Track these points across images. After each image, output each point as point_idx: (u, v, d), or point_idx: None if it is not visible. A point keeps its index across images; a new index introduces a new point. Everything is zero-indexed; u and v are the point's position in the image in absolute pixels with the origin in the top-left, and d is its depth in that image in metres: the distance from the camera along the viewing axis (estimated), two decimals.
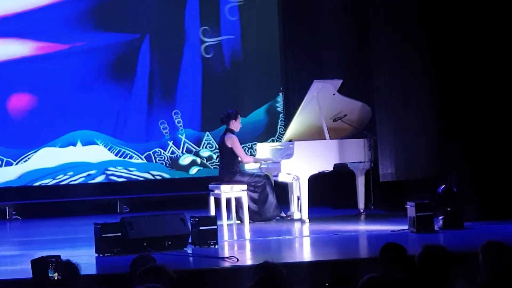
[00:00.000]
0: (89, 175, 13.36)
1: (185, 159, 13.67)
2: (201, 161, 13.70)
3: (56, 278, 5.91)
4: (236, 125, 10.91)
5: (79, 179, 13.33)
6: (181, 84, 13.72)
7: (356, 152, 10.94)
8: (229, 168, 10.76)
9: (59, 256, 6.17)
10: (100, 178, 13.42)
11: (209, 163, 13.75)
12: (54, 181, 13.26)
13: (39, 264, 6.18)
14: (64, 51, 13.32)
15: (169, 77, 13.70)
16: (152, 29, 13.63)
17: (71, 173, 13.28)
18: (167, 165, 13.60)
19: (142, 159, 13.57)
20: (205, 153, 13.74)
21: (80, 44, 13.35)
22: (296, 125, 11.27)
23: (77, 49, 13.36)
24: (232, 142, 10.77)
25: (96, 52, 13.43)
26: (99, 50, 13.44)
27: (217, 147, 11.55)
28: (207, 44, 13.81)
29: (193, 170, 13.68)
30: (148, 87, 13.61)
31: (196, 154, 13.71)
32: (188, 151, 13.72)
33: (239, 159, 10.85)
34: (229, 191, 10.58)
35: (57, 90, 13.26)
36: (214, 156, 13.65)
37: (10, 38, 13.16)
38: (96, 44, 13.42)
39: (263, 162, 11.00)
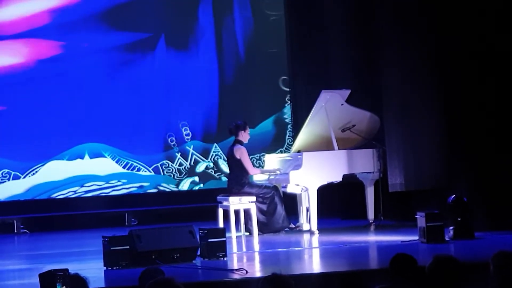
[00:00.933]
0: (97, 188, 13.37)
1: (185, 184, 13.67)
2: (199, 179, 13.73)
3: None
4: (245, 136, 10.91)
5: (87, 192, 13.34)
6: (188, 94, 13.73)
7: (365, 163, 10.92)
8: (238, 180, 10.76)
9: (67, 270, 6.15)
10: (108, 191, 13.43)
11: (215, 174, 13.74)
12: (62, 195, 13.27)
13: (47, 278, 6.17)
14: (70, 56, 13.32)
15: (176, 88, 13.71)
16: (166, 30, 13.67)
17: (79, 186, 13.29)
18: (175, 177, 13.60)
19: (150, 171, 13.58)
20: (200, 167, 13.72)
21: (88, 48, 13.37)
22: (304, 136, 11.26)
23: (83, 52, 13.35)
24: (241, 153, 10.77)
25: (92, 57, 13.43)
26: (98, 54, 13.46)
27: (225, 158, 11.55)
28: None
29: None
30: (156, 97, 13.63)
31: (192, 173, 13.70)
32: (196, 162, 13.71)
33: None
34: (238, 203, 10.57)
35: (64, 102, 13.26)
36: (211, 165, 13.65)
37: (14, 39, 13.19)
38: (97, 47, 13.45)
39: (271, 173, 10.99)
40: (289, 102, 14.02)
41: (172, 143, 13.64)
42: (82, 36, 13.35)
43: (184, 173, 13.65)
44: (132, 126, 13.52)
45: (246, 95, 13.89)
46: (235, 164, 10.81)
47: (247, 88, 13.91)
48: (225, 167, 13.45)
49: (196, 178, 13.69)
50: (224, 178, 13.34)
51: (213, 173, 13.72)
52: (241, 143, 10.87)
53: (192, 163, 13.70)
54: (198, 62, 13.78)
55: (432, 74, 10.44)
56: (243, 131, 10.89)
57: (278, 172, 10.91)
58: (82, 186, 13.31)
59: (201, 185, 13.66)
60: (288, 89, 13.98)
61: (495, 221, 9.78)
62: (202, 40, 13.80)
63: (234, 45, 13.93)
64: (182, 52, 13.72)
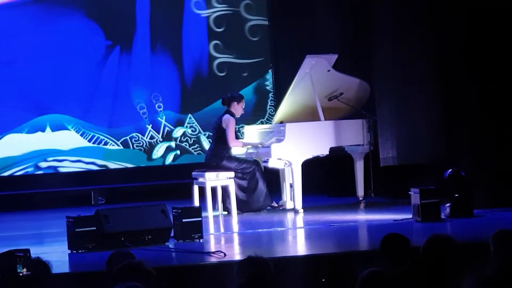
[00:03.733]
0: (59, 163, 13.33)
1: (159, 150, 13.65)
2: (176, 144, 13.68)
3: (24, 273, 5.90)
4: (237, 109, 10.88)
5: (49, 168, 13.30)
6: (160, 62, 13.69)
7: (354, 134, 10.95)
8: (218, 152, 10.75)
9: (28, 250, 6.16)
10: (72, 167, 13.39)
11: (191, 148, 13.74)
12: (21, 171, 13.23)
13: (5, 259, 6.17)
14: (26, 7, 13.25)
15: (148, 55, 13.68)
16: None
17: (39, 161, 13.25)
18: (145, 151, 13.58)
19: (119, 145, 13.55)
20: (178, 132, 13.70)
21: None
22: (287, 105, 11.26)
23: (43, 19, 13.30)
24: (228, 123, 10.73)
25: (67, 18, 13.36)
26: (71, 15, 13.39)
27: (201, 130, 11.54)
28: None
29: (170, 158, 13.67)
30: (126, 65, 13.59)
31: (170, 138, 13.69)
32: (169, 135, 13.70)
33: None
34: (215, 179, 10.58)
35: (22, 67, 13.19)
36: (189, 131, 13.64)
37: None
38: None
39: (252, 146, 10.99)
40: (271, 68, 14.00)
41: (144, 116, 13.59)
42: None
43: (156, 145, 13.63)
44: (98, 96, 13.47)
45: (223, 61, 13.85)
46: (219, 135, 10.79)
47: (224, 53, 13.87)
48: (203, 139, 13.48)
49: (173, 144, 13.68)
50: (200, 153, 13.37)
51: (187, 147, 13.70)
52: (232, 114, 10.84)
53: (164, 136, 13.67)
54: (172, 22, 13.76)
55: (428, 38, 10.44)
56: (236, 103, 10.87)
57: (259, 146, 10.91)
58: (43, 161, 13.26)
59: (178, 151, 13.64)
60: (270, 54, 13.94)
61: (496, 197, 9.84)
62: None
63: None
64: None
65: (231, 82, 13.71)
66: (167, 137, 13.66)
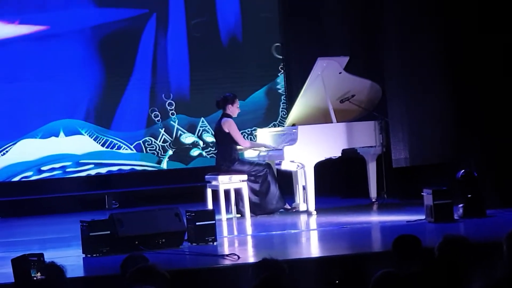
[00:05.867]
0: (73, 168, 13.35)
1: (187, 139, 13.68)
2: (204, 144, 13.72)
3: (39, 277, 5.92)
4: (233, 110, 10.89)
5: (63, 173, 13.33)
6: (171, 66, 13.70)
7: (366, 136, 10.93)
8: (226, 156, 10.76)
9: (42, 254, 6.17)
10: (86, 171, 13.41)
11: (209, 151, 13.76)
12: (36, 176, 13.25)
13: (20, 263, 6.19)
14: (44, 31, 13.29)
15: (159, 58, 13.69)
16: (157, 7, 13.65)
17: (54, 166, 13.27)
18: (158, 155, 13.59)
19: (132, 149, 13.57)
20: (188, 139, 13.73)
21: (59, 24, 13.33)
22: (299, 108, 11.26)
23: (56, 29, 13.32)
24: (229, 125, 10.76)
25: (76, 33, 13.40)
26: (81, 30, 13.42)
27: (213, 133, 11.55)
28: (197, 20, 13.80)
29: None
30: (137, 70, 13.61)
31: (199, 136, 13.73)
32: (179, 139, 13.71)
33: (238, 146, 10.84)
34: (228, 182, 10.58)
35: (38, 75, 13.23)
36: (198, 140, 13.68)
37: None
38: (80, 23, 13.40)
39: (263, 148, 10.99)
40: (282, 71, 13.99)
41: (156, 119, 13.61)
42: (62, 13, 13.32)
43: (168, 149, 13.65)
44: (111, 101, 13.49)
45: (236, 64, 13.85)
46: (224, 139, 10.81)
47: (237, 57, 13.88)
48: (211, 139, 13.49)
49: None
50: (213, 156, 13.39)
51: (200, 150, 13.71)
52: (229, 116, 10.86)
53: (176, 140, 13.69)
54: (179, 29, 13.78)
55: (439, 38, 10.42)
56: (230, 105, 10.87)
57: (263, 148, 10.93)
58: (57, 166, 13.28)
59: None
60: (281, 57, 13.94)
61: (508, 197, 9.81)
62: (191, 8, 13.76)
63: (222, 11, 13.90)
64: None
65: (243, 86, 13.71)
66: (179, 140, 13.66)
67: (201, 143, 13.75)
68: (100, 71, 13.46)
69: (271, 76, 14.03)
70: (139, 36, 13.61)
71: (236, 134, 10.81)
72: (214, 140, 11.71)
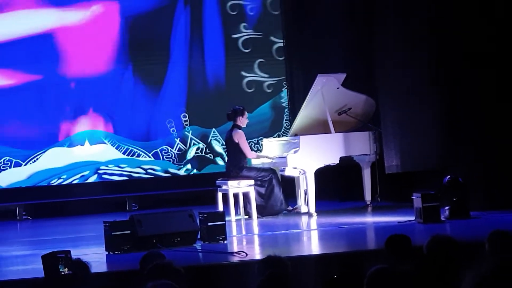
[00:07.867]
0: (98, 174, 13.36)
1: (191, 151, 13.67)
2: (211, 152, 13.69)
3: (66, 272, 5.93)
4: (243, 121, 10.90)
5: (88, 178, 13.33)
6: (186, 81, 13.70)
7: (361, 145, 10.93)
8: (236, 164, 10.77)
9: (69, 251, 6.18)
10: (108, 177, 13.40)
11: (215, 158, 13.73)
12: (63, 181, 13.26)
13: (49, 260, 6.20)
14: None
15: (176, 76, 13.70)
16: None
17: (79, 172, 13.27)
18: (174, 162, 13.59)
19: (150, 157, 13.57)
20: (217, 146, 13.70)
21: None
22: (301, 120, 11.26)
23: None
24: (239, 137, 10.77)
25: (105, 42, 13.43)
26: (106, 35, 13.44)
27: (224, 143, 11.55)
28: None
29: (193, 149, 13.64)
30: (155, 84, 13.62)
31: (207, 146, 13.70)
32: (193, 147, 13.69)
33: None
34: (237, 187, 10.58)
35: (64, 89, 13.24)
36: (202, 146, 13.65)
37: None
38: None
39: (266, 158, 11.01)
40: (285, 86, 13.99)
41: (171, 129, 13.61)
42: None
43: (183, 159, 13.64)
44: (131, 112, 13.49)
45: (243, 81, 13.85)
46: (234, 148, 10.81)
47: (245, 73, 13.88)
48: (219, 149, 13.47)
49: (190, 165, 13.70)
50: (220, 161, 13.37)
51: (207, 156, 13.69)
52: (239, 127, 10.87)
53: (191, 148, 13.67)
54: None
55: (430, 55, 10.40)
56: (241, 116, 10.88)
57: (266, 159, 10.92)
58: (83, 172, 13.29)
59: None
60: (285, 74, 13.93)
61: (491, 201, 9.78)
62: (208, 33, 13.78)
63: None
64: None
65: (250, 99, 13.71)
66: (193, 149, 13.66)
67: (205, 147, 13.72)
68: (119, 85, 13.47)
69: (275, 91, 14.01)
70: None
71: (245, 146, 10.81)
72: (223, 148, 11.63)
